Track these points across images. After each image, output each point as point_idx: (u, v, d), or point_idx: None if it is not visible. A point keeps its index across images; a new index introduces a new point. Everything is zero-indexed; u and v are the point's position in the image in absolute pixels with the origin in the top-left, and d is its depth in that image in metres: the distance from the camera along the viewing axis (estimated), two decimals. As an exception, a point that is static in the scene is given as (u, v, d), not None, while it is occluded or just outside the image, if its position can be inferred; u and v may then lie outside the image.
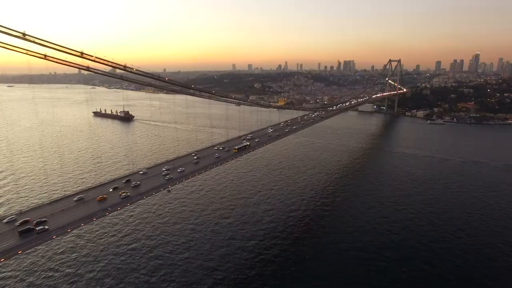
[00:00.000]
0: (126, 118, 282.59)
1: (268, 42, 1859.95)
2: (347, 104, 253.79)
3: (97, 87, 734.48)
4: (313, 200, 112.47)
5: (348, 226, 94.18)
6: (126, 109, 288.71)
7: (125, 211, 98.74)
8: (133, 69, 68.66)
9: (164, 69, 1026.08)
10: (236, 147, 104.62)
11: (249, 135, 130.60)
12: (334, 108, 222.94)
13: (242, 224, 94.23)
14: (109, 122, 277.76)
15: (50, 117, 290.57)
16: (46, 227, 53.89)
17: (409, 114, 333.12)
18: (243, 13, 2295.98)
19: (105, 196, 68.17)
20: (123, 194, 68.59)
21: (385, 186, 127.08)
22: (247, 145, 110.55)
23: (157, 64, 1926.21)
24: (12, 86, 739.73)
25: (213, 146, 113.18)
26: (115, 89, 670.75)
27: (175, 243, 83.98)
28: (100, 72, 64.60)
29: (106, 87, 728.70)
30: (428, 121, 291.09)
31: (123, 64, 65.71)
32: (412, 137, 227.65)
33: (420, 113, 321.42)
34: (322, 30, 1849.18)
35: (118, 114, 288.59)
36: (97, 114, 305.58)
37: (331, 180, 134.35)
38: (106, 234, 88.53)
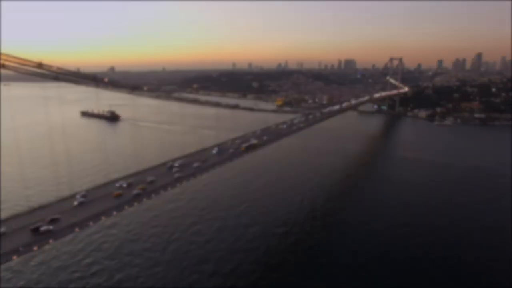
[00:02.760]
0: (112, 118, 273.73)
1: (269, 41, 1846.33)
2: (338, 107, 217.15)
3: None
4: (301, 218, 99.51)
5: (341, 256, 79.74)
6: (115, 109, 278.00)
7: (91, 234, 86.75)
8: (52, 67, 56.82)
9: (164, 68, 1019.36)
10: (244, 146, 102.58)
11: (177, 163, 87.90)
12: (326, 111, 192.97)
13: (219, 243, 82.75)
14: (94, 122, 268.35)
15: (38, 117, 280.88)
16: None
17: (411, 114, 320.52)
18: (243, 12, 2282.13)
19: None
20: None
21: (390, 203, 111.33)
22: (254, 143, 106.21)
23: (157, 63, 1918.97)
24: (8, 85, 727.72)
25: (112, 181, 75.77)
26: (112, 89, 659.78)
27: (142, 266, 72.41)
28: (21, 71, 52.85)
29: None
30: (436, 123, 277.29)
31: (38, 61, 54.11)
32: (420, 140, 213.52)
33: (423, 113, 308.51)
34: (323, 28, 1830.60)
35: (105, 114, 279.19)
36: (85, 114, 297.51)
37: (325, 192, 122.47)
38: (62, 257, 76.69)
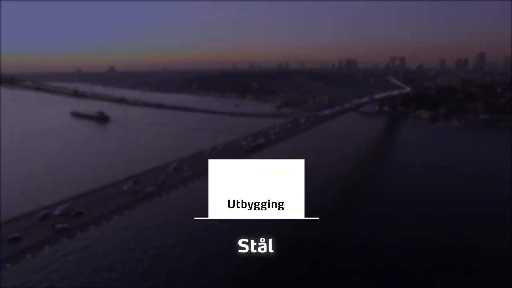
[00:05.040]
0: (101, 118, 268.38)
1: (269, 41, 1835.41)
2: (329, 111, 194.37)
3: (94, 86, 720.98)
4: (299, 230, 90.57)
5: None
6: (108, 109, 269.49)
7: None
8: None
9: (165, 67, 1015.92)
10: (252, 145, 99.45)
11: (58, 210, 59.45)
12: (317, 115, 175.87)
13: (207, 268, 74.56)
14: (81, 124, 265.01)
15: (29, 117, 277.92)
16: None
17: (413, 115, 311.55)
18: (244, 12, 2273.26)
19: None
20: None
21: (395, 215, 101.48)
22: (261, 143, 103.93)
23: (157, 63, 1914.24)
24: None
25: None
26: (110, 88, 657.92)
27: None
28: None
29: (102, 86, 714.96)
30: (441, 124, 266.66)
31: None
32: (424, 141, 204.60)
33: (425, 114, 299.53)
34: (325, 28, 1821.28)
35: (94, 114, 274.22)
36: (74, 114, 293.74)
37: (323, 200, 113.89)
38: None
